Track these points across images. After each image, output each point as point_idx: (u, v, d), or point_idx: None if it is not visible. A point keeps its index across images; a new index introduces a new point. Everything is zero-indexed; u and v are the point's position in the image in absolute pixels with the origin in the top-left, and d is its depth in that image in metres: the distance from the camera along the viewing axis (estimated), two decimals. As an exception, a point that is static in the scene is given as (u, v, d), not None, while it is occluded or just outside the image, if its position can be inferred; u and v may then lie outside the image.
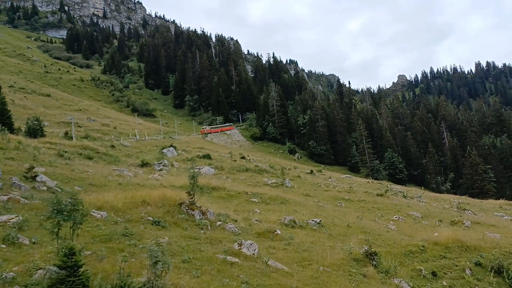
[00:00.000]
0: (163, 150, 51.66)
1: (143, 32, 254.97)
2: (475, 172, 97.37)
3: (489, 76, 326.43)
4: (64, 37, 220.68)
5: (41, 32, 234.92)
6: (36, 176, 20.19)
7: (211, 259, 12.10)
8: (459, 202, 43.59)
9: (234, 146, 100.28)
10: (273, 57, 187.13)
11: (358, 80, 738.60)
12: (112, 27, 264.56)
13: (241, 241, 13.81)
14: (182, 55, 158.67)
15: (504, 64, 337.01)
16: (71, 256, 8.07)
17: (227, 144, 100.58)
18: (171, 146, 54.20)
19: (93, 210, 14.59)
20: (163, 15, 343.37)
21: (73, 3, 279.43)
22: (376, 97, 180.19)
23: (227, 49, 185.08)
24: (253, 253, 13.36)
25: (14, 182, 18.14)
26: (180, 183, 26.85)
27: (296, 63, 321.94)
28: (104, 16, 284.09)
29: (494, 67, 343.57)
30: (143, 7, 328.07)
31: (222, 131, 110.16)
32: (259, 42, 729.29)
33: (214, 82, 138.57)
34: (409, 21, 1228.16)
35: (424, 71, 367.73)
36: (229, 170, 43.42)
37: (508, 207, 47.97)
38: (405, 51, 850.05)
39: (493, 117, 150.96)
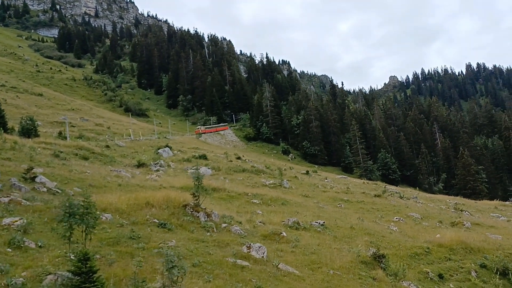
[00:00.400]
0: (159, 151, 51.22)
1: (135, 31, 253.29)
2: (468, 173, 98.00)
3: (479, 78, 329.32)
4: (56, 36, 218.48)
5: (32, 31, 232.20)
6: (35, 177, 19.82)
7: (221, 262, 11.88)
8: (456, 203, 43.70)
9: (228, 146, 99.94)
10: (266, 57, 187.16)
11: (349, 81, 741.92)
12: (104, 26, 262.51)
13: (250, 244, 13.60)
14: (176, 55, 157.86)
15: (494, 66, 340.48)
16: (85, 262, 7.81)
17: (221, 144, 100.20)
18: (167, 146, 53.77)
19: (98, 212, 14.26)
20: (156, 15, 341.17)
21: (64, 2, 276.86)
22: (369, 98, 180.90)
23: (221, 49, 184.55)
24: (262, 256, 13.17)
25: (14, 183, 17.75)
26: (180, 184, 26.58)
27: (288, 64, 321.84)
28: (96, 15, 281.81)
29: (485, 68, 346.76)
30: (135, 6, 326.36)
31: (216, 131, 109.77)
32: (250, 43, 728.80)
33: (208, 82, 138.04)
34: (399, 23, 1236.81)
35: (416, 72, 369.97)
36: (226, 170, 43.17)
37: (502, 208, 48.28)
38: (395, 52, 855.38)
39: (484, 118, 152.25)
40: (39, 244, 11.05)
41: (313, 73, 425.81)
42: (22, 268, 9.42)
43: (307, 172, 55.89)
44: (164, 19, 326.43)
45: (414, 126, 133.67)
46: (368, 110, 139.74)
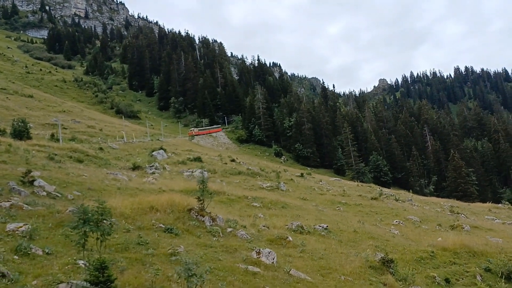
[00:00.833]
0: (153, 153, 50.75)
1: (125, 33, 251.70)
2: (459, 175, 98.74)
3: (467, 81, 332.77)
4: (45, 37, 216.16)
5: (21, 32, 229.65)
6: (33, 180, 19.41)
7: (233, 269, 11.65)
8: (451, 206, 43.93)
9: (220, 148, 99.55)
10: (258, 59, 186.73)
11: (338, 84, 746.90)
12: (94, 28, 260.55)
13: (259, 250, 13.39)
14: (167, 57, 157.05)
15: (482, 69, 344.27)
16: (103, 270, 7.54)
17: (213, 146, 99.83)
18: (161, 148, 53.28)
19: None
20: (146, 16, 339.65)
21: (54, 3, 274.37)
22: (360, 101, 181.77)
23: (212, 51, 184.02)
24: (272, 262, 12.96)
25: (14, 187, 17.35)
26: (179, 187, 26.27)
27: (279, 66, 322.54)
28: (86, 17, 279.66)
29: (473, 72, 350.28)
30: (126, 7, 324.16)
31: (210, 133, 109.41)
32: (240, 45, 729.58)
33: (200, 84, 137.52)
34: (387, 27, 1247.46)
35: (405, 75, 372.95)
36: (222, 173, 42.89)
37: (496, 210, 48.62)
38: (384, 55, 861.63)
39: (473, 121, 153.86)
40: (47, 251, 10.72)
41: (304, 76, 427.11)
42: (32, 277, 9.09)
43: (302, 175, 55.81)
44: (155, 21, 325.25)
45: (405, 128, 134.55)
46: (359, 113, 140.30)
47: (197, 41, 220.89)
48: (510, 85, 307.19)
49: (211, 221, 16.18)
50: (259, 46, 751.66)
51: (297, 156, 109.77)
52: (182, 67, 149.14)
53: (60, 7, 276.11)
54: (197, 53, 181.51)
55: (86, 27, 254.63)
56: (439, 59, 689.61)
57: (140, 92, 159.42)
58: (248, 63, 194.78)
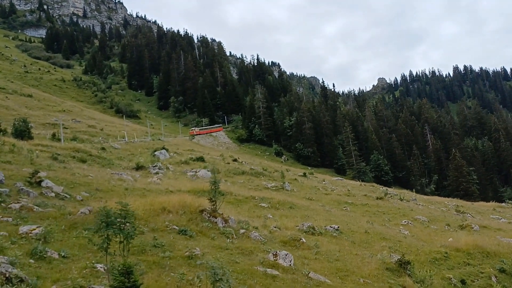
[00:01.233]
0: (155, 153, 50.43)
1: (124, 32, 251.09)
2: (460, 174, 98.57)
3: (466, 80, 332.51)
4: (43, 37, 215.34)
5: (19, 31, 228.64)
6: (41, 181, 19.11)
7: (251, 272, 11.40)
8: (456, 205, 43.74)
9: (220, 148, 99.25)
10: (257, 59, 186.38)
11: (335, 83, 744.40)
12: (93, 27, 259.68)
13: (276, 252, 13.14)
14: (166, 56, 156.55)
15: (481, 68, 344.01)
16: (128, 275, 7.28)
17: (213, 146, 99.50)
18: (163, 148, 52.97)
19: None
20: (145, 16, 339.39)
21: (52, 2, 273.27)
22: (360, 100, 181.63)
23: (211, 51, 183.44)
24: (290, 264, 12.71)
25: (22, 188, 17.06)
26: (186, 187, 26.00)
27: (278, 65, 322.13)
28: (84, 16, 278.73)
29: (471, 71, 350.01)
30: (124, 7, 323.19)
31: (211, 132, 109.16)
32: (238, 44, 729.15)
33: (199, 83, 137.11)
34: (384, 27, 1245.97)
35: (404, 74, 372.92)
36: (226, 173, 42.56)
37: (500, 209, 48.44)
38: (381, 55, 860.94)
39: (474, 120, 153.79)
40: (63, 254, 10.47)
41: (302, 75, 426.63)
42: (51, 282, 8.84)
43: (305, 174, 55.52)
44: (153, 20, 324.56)
45: (405, 127, 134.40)
46: (359, 112, 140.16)
47: (195, 41, 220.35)
48: (509, 84, 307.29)
49: (223, 222, 15.93)
50: (256, 45, 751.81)
51: (298, 156, 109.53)
52: (182, 67, 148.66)
53: (58, 6, 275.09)
54: (197, 52, 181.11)
55: (84, 26, 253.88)
56: (437, 59, 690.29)
57: (140, 91, 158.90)
58: (247, 63, 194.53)
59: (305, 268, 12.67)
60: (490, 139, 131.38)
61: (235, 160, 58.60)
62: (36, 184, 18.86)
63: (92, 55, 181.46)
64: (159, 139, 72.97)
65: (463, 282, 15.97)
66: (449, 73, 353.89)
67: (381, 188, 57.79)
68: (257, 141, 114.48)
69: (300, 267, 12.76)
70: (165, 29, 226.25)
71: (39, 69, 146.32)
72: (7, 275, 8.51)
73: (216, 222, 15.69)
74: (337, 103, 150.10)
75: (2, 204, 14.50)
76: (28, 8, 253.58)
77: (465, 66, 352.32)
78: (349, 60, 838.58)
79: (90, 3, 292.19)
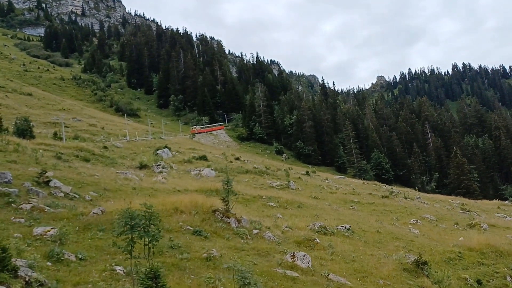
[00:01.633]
0: (158, 152, 50.14)
1: (123, 30, 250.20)
2: (461, 172, 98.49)
3: (465, 78, 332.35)
4: (42, 35, 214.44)
5: (18, 29, 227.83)
6: (49, 181, 18.86)
7: (271, 274, 11.19)
8: (461, 204, 43.58)
9: (221, 146, 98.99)
10: (257, 57, 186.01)
11: (334, 81, 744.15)
12: (91, 25, 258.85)
13: (293, 253, 12.93)
14: (166, 54, 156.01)
15: (480, 66, 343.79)
16: (156, 279, 7.05)
17: (214, 144, 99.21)
18: (166, 147, 52.70)
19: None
20: (143, 14, 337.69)
21: (50, 0, 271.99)
22: (359, 98, 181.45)
23: (211, 49, 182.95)
24: (308, 266, 12.50)
25: (31, 189, 16.81)
26: (193, 186, 25.77)
27: (277, 64, 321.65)
28: (83, 14, 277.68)
29: (470, 68, 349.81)
30: (123, 5, 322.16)
31: (212, 130, 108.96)
32: (236, 43, 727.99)
33: (199, 81, 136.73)
34: (382, 24, 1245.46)
35: (402, 72, 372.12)
36: (230, 172, 42.22)
37: (505, 207, 48.30)
38: (379, 53, 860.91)
39: (474, 118, 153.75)
40: (80, 257, 10.22)
41: (301, 73, 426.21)
42: (71, 285, 8.60)
43: (307, 173, 55.35)
44: (152, 18, 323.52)
45: (406, 126, 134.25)
46: (360, 110, 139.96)
47: (194, 39, 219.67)
48: (508, 82, 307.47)
49: (236, 222, 15.71)
50: (255, 44, 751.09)
51: (298, 154, 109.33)
52: (181, 65, 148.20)
53: (57, 4, 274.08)
54: (196, 50, 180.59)
55: (83, 25, 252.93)
56: (435, 57, 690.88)
57: (139, 90, 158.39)
58: (246, 61, 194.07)
59: (323, 270, 12.45)
60: (491, 137, 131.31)
61: (237, 158, 58.42)
62: (44, 184, 18.61)
63: (91, 54, 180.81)
64: (160, 138, 72.70)
65: (479, 282, 15.78)
66: (448, 71, 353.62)
67: (384, 187, 57.71)
68: (257, 140, 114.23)
69: (318, 269, 12.55)
70: (164, 27, 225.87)
71: (38, 67, 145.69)
72: (27, 279, 8.28)
73: (229, 223, 15.47)
74: (337, 101, 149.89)
75: (12, 204, 14.26)
76: (27, 7, 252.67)
77: (464, 64, 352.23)
78: (347, 58, 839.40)
79: (88, 2, 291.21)
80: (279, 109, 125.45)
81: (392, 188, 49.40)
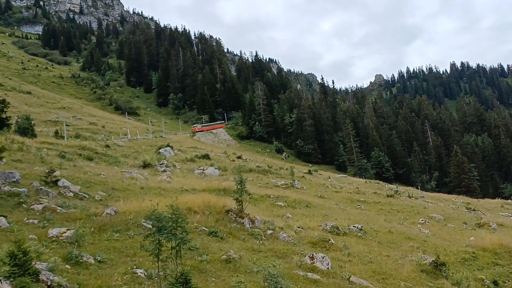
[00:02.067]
0: (160, 150, 49.89)
1: (121, 28, 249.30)
2: (462, 171, 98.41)
3: (463, 76, 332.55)
4: (40, 33, 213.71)
5: (16, 27, 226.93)
6: (57, 180, 18.60)
7: (292, 276, 10.94)
8: (466, 203, 43.48)
9: (221, 145, 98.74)
10: (256, 55, 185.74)
11: (331, 80, 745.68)
12: (90, 23, 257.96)
13: (312, 255, 12.70)
14: (165, 53, 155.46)
15: (478, 65, 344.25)
16: (186, 284, 6.80)
17: (214, 143, 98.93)
18: (168, 146, 52.44)
19: (143, 220, 13.18)
20: (141, 12, 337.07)
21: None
22: (359, 96, 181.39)
23: (210, 47, 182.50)
24: (328, 268, 12.28)
25: (41, 188, 16.54)
26: (200, 186, 25.53)
27: (276, 62, 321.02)
28: (81, 12, 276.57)
29: (468, 67, 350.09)
30: (121, 3, 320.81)
31: (213, 129, 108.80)
32: (234, 41, 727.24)
33: (199, 80, 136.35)
34: (379, 23, 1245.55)
35: (401, 71, 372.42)
36: (233, 170, 42.03)
37: (508, 206, 48.23)
38: (376, 52, 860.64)
39: (473, 117, 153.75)
40: (98, 259, 9.94)
41: (300, 72, 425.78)
42: (94, 289, 8.34)
43: (310, 172, 55.14)
44: (150, 17, 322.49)
45: (405, 124, 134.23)
46: (359, 109, 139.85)
47: (193, 37, 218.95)
48: (505, 81, 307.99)
49: (250, 223, 15.47)
50: (253, 42, 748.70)
51: (298, 153, 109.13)
52: (181, 63, 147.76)
53: (55, 2, 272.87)
54: (195, 49, 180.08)
55: (81, 23, 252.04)
56: (432, 55, 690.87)
57: (138, 88, 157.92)
58: (245, 59, 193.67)
59: (343, 272, 12.23)
60: (490, 136, 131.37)
61: (239, 157, 58.24)
62: (53, 183, 18.34)
63: (90, 52, 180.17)
64: (161, 137, 72.45)
65: (495, 283, 15.58)
66: (446, 70, 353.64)
67: (387, 185, 57.57)
68: (257, 138, 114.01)
69: (337, 271, 12.33)
70: (162, 25, 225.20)
71: (37, 65, 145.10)
72: (48, 283, 8.02)
73: (243, 223, 15.23)
74: (337, 99, 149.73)
75: (23, 205, 14.00)
76: (24, 5, 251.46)
77: (462, 63, 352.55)
78: (344, 57, 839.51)
79: (86, 0, 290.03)
80: (278, 107, 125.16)
81: (397, 187, 49.22)
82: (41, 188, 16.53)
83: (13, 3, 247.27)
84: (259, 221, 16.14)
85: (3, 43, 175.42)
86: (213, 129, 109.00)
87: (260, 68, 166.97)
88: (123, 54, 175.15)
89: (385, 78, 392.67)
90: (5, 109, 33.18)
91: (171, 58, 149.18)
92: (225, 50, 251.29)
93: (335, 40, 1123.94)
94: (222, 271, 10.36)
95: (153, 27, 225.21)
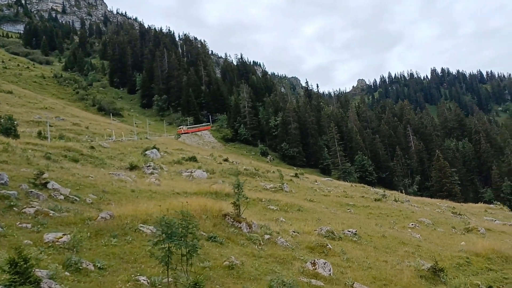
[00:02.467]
0: (146, 152, 49.20)
1: (105, 28, 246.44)
2: (444, 175, 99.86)
3: (443, 82, 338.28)
4: (21, 32, 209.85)
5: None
6: (46, 183, 18.03)
7: (297, 283, 10.74)
8: (450, 207, 44.00)
9: (206, 147, 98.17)
10: (241, 58, 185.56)
11: (315, 84, 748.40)
12: (72, 23, 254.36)
13: (314, 260, 12.55)
14: (150, 54, 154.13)
15: (458, 71, 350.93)
16: (199, 294, 6.55)
17: (199, 145, 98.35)
18: (154, 148, 51.73)
19: (141, 225, 12.86)
20: (125, 12, 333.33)
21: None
22: (342, 100, 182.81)
23: (195, 49, 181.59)
24: (330, 274, 12.13)
25: (31, 191, 16.00)
26: (191, 189, 25.25)
27: (260, 65, 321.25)
28: (64, 12, 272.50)
29: (449, 73, 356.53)
30: (104, 3, 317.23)
31: (199, 130, 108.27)
32: (218, 44, 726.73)
33: (184, 82, 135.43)
34: (361, 28, 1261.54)
35: (383, 76, 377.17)
36: (221, 173, 41.81)
37: (491, 211, 49.10)
38: (358, 56, 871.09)
39: (454, 122, 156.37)
40: (98, 266, 9.60)
41: (283, 75, 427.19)
42: (97, 298, 8.02)
43: (296, 175, 55.08)
44: (134, 17, 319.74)
45: (388, 128, 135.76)
46: (343, 113, 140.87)
47: (177, 38, 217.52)
48: (485, 87, 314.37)
49: (248, 227, 15.25)
50: (236, 45, 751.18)
51: (283, 156, 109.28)
52: (165, 64, 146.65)
53: (37, 1, 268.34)
54: (180, 50, 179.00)
55: (63, 22, 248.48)
56: (413, 61, 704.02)
57: (122, 89, 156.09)
58: (229, 62, 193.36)
59: (345, 278, 12.10)
60: (471, 141, 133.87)
61: (225, 160, 57.89)
62: (42, 185, 17.78)
63: (72, 52, 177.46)
64: (147, 138, 71.61)
65: (490, 288, 15.65)
66: (426, 75, 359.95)
67: (372, 189, 57.91)
68: (242, 141, 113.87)
69: (339, 277, 12.19)
70: (146, 26, 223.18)
71: (18, 65, 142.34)
72: (50, 292, 7.68)
73: (240, 228, 15.00)
74: (321, 103, 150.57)
75: (14, 208, 13.49)
76: (5, 3, 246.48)
77: (442, 69, 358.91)
78: (327, 61, 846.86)
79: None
80: (264, 110, 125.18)
81: (384, 191, 49.56)
82: (31, 191, 16.00)
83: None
84: (256, 225, 15.93)
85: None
86: (199, 131, 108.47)
87: (245, 71, 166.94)
88: (107, 55, 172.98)
89: (367, 82, 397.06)
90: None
91: (155, 59, 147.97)
92: (210, 52, 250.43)
93: (318, 44, 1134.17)
94: (226, 278, 10.11)
95: (137, 27, 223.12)
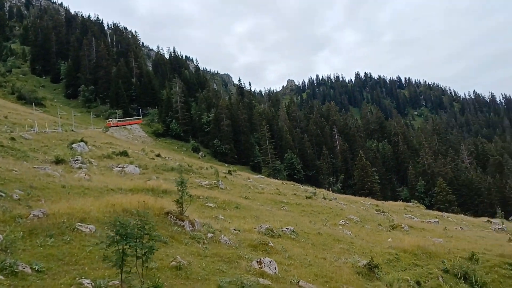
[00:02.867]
0: (73, 145, 46.68)
1: (26, 12, 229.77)
2: (366, 174, 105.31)
3: (366, 86, 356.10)
4: None
5: None
6: (-34, 177, 16.50)
7: (256, 284, 10.74)
8: (373, 205, 46.38)
9: (136, 142, 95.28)
10: (174, 51, 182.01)
11: (246, 82, 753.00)
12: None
13: (260, 259, 12.62)
14: (76, 42, 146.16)
15: (379, 76, 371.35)
16: (159, 298, 6.32)
17: (129, 139, 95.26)
18: (82, 141, 49.22)
19: (79, 224, 12.14)
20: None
21: None
22: (273, 99, 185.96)
23: (126, 40, 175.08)
24: (275, 272, 12.28)
25: (-50, 186, 14.53)
26: (126, 185, 24.32)
27: (193, 60, 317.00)
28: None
29: (371, 78, 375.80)
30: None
31: (130, 124, 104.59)
32: (148, 35, 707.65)
33: (113, 73, 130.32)
34: (291, 30, 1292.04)
35: (311, 78, 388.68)
36: (154, 169, 40.83)
37: (410, 209, 52.41)
38: (288, 57, 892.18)
39: (375, 124, 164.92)
40: (36, 268, 8.93)
41: (215, 71, 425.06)
42: (37, 304, 7.45)
43: (230, 172, 55.17)
44: (59, 2, 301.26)
45: (316, 128, 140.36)
46: (274, 111, 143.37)
47: (106, 28, 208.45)
48: (403, 92, 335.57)
49: (191, 226, 15.00)
50: (167, 38, 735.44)
51: (215, 152, 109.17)
52: (93, 54, 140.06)
53: None
54: (109, 40, 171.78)
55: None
56: (338, 64, 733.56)
57: (44, 77, 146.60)
58: (161, 54, 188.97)
59: (290, 276, 12.31)
60: (390, 142, 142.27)
61: (158, 155, 56.70)
62: (-40, 180, 16.25)
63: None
64: (72, 130, 67.97)
65: (418, 283, 16.72)
66: (351, 79, 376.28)
67: (301, 187, 59.61)
68: (173, 136, 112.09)
69: (284, 275, 12.37)
70: (73, 12, 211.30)
71: None
72: (-12, 299, 7.03)
73: (183, 226, 14.71)
74: (253, 101, 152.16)
75: None
76: None
77: (365, 73, 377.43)
78: (257, 60, 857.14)
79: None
80: (196, 106, 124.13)
81: (315, 189, 51.10)
82: (-50, 186, 14.55)
83: None
84: (199, 224, 15.73)
85: None
86: (130, 124, 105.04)
87: (177, 65, 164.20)
88: (28, 40, 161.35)
89: (296, 83, 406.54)
90: None
91: (82, 48, 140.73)
92: (141, 44, 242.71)
93: (249, 43, 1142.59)
94: (175, 279, 9.86)
95: (63, 13, 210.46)
